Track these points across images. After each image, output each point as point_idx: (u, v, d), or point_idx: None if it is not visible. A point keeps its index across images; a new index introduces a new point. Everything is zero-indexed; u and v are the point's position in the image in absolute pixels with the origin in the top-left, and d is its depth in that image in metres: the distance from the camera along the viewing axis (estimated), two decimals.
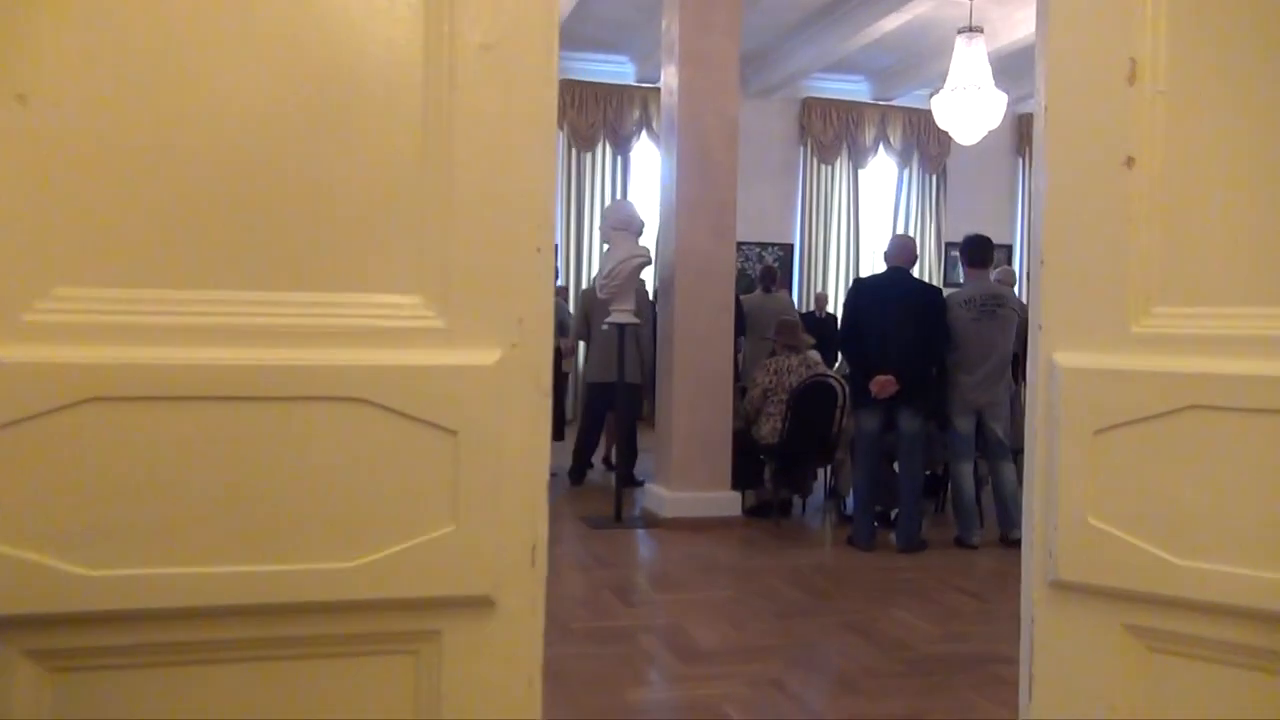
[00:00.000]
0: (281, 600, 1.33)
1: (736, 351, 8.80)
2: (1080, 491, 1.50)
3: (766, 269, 9.45)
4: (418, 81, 1.39)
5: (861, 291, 6.20)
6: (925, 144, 14.67)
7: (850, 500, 7.16)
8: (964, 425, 6.16)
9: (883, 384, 5.87)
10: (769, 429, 6.79)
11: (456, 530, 1.38)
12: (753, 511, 6.98)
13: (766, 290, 9.12)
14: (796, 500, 7.29)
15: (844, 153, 14.51)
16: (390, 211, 1.39)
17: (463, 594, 1.39)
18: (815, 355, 7.21)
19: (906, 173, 14.74)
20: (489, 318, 1.41)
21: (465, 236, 1.40)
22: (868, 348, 5.98)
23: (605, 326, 6.91)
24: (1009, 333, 6.13)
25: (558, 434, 8.63)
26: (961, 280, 8.01)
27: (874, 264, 14.71)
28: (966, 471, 6.17)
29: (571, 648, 4.23)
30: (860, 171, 14.57)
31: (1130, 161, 1.50)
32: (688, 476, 6.70)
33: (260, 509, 1.32)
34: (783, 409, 6.73)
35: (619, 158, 13.80)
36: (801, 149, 14.44)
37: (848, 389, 6.67)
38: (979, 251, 6.20)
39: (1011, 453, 6.36)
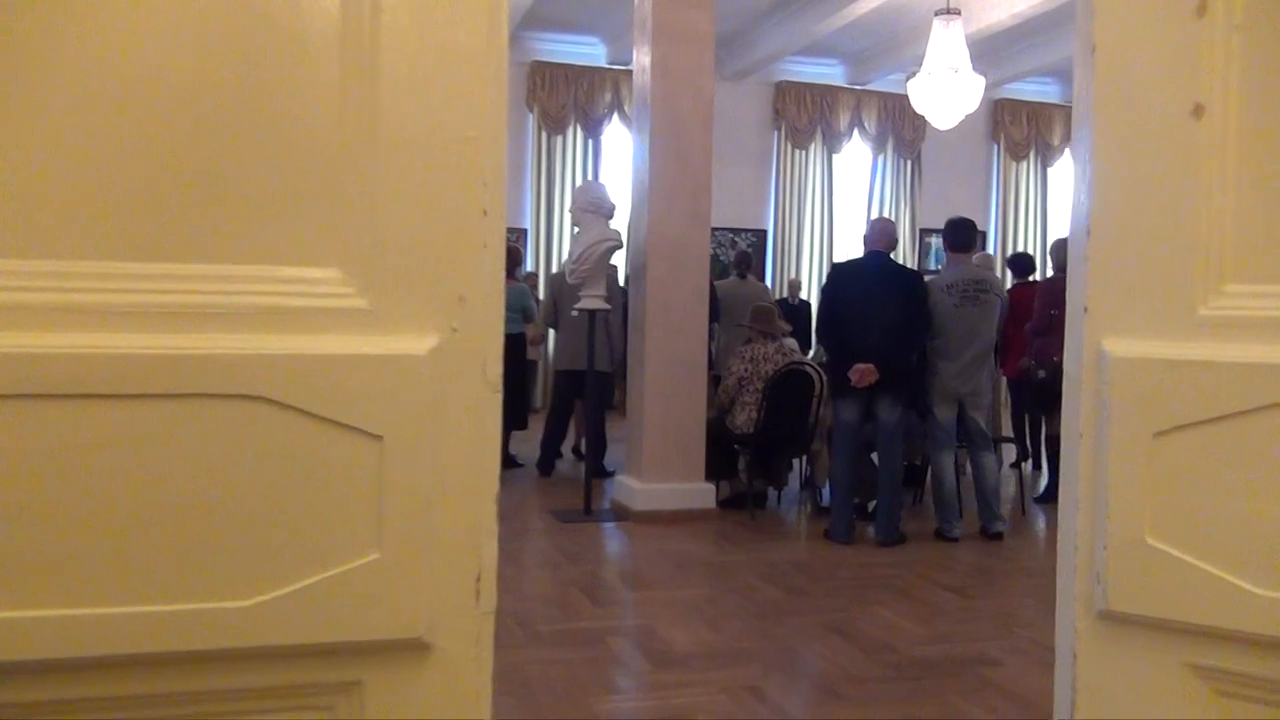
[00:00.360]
0: (161, 649, 1.05)
1: (710, 339, 8.56)
2: (1136, 506, 1.25)
3: (741, 254, 9.19)
4: (334, 2, 1.12)
5: (840, 276, 5.95)
6: (900, 129, 14.46)
7: (827, 491, 6.94)
8: (945, 414, 5.94)
9: (862, 373, 5.64)
10: (744, 418, 6.55)
11: (382, 559, 1.11)
12: (727, 503, 6.74)
13: (741, 276, 8.87)
14: (772, 492, 7.06)
15: (818, 138, 14.27)
16: (302, 165, 1.11)
17: (389, 636, 1.12)
18: (792, 343, 6.97)
19: (881, 158, 14.53)
20: (423, 296, 1.13)
21: (393, 195, 1.13)
22: (846, 335, 5.74)
23: (575, 312, 6.63)
24: (992, 319, 5.92)
25: (521, 423, 8.36)
26: (939, 266, 7.81)
27: (848, 250, 14.47)
28: (947, 462, 5.95)
29: (537, 652, 3.97)
30: (834, 157, 14.34)
31: (1198, 110, 1.24)
32: (660, 468, 6.45)
33: (133, 536, 1.04)
34: (758, 398, 6.49)
35: (590, 141, 13.50)
36: (775, 134, 14.19)
37: (825, 377, 6.44)
38: (962, 235, 5.97)
39: (993, 443, 6.16)
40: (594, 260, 6.35)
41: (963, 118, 11.26)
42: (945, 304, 5.81)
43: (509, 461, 8.40)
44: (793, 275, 14.10)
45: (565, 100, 13.38)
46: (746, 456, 6.67)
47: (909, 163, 14.58)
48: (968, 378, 5.87)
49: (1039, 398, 7.04)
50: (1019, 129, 14.92)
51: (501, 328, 1.23)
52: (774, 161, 14.21)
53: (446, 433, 1.13)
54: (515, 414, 8.35)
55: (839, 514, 5.89)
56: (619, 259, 7.58)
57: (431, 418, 1.11)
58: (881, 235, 5.94)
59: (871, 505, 6.50)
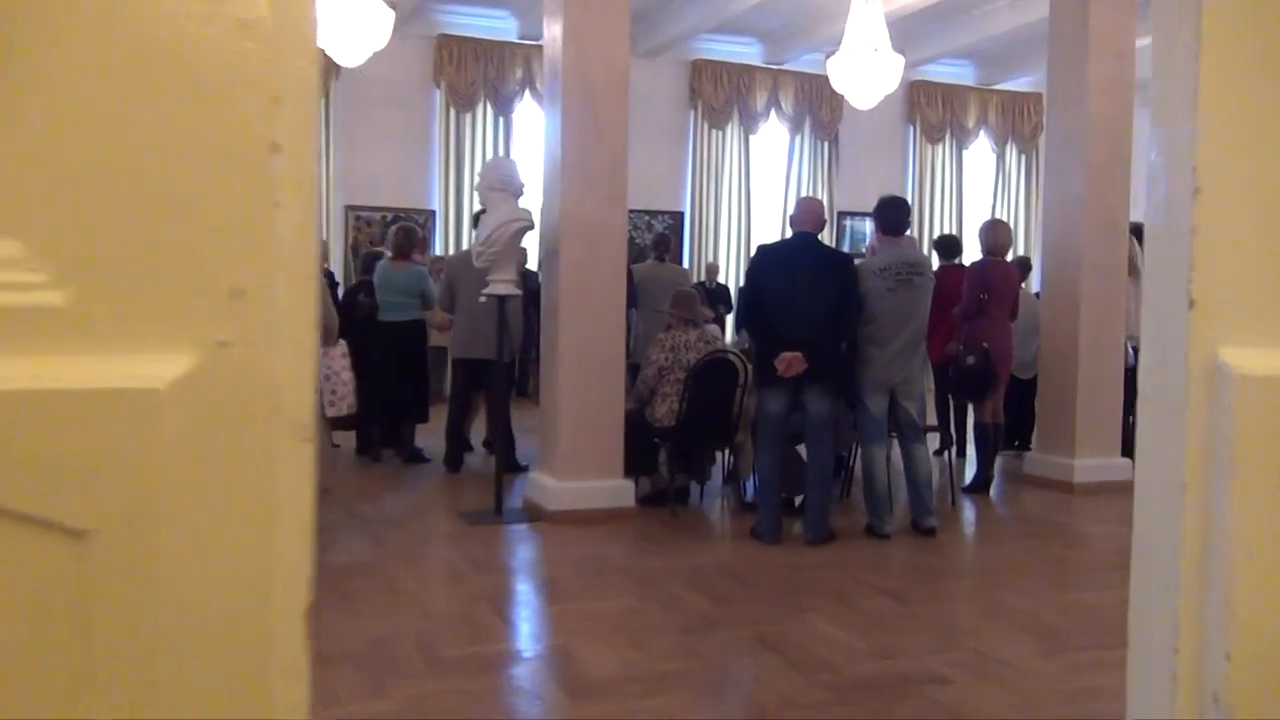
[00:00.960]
0: None
1: (628, 327, 8.13)
2: (1276, 587, 0.84)
3: (660, 236, 8.72)
4: None
5: (765, 259, 5.55)
6: (818, 110, 14.17)
7: (751, 485, 6.57)
8: (876, 405, 5.60)
9: (790, 361, 5.26)
10: (665, 410, 6.13)
11: None
12: (647, 500, 6.32)
13: (660, 259, 8.41)
14: (694, 487, 6.66)
15: (735, 118, 13.91)
16: None
17: None
18: (714, 330, 6.58)
19: (799, 139, 14.23)
20: (167, 287, 0.67)
21: (106, 113, 0.66)
22: (772, 321, 5.35)
23: (483, 298, 6.13)
24: (926, 303, 5.59)
25: (422, 415, 7.84)
26: (861, 249, 7.50)
27: (766, 233, 14.17)
28: (879, 456, 5.61)
29: (438, 682, 3.50)
30: (751, 137, 14.00)
31: None
32: (576, 464, 6.00)
33: None
34: (679, 388, 6.08)
35: (501, 119, 12.93)
36: (691, 113, 13.79)
37: (749, 366, 6.05)
38: (895, 215, 5.62)
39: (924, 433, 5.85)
40: (503, 242, 5.86)
41: (882, 98, 11.01)
42: (878, 288, 5.46)
43: (414, 456, 7.88)
44: (710, 259, 13.74)
45: (474, 76, 12.78)
46: (667, 450, 6.26)
47: (826, 144, 14.31)
48: (900, 365, 5.54)
49: (967, 384, 6.76)
50: (934, 111, 14.75)
51: (318, 334, 0.77)
52: (690, 142, 13.81)
53: (209, 519, 0.66)
54: (416, 406, 7.83)
55: (766, 511, 5.51)
56: (531, 241, 7.10)
57: (176, 497, 0.65)
58: (809, 215, 5.55)
59: (799, 500, 6.15)
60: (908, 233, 9.71)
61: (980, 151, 15.15)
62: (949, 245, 8.05)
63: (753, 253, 13.78)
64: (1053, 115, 7.54)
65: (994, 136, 15.04)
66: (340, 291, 8.63)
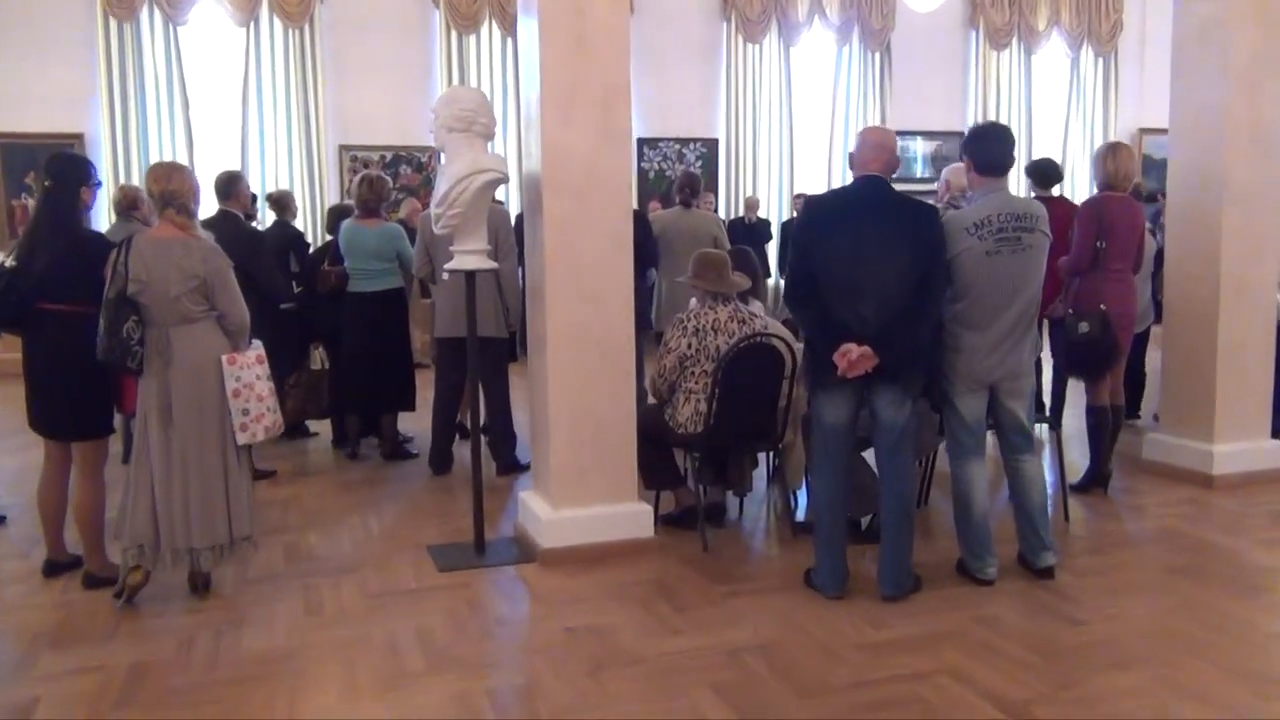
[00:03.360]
0: None
1: (646, 287, 6.59)
2: None
3: (687, 176, 6.95)
4: None
5: (816, 216, 3.94)
6: (867, 16, 12.34)
7: (802, 496, 5.09)
8: (971, 407, 4.05)
9: (854, 357, 3.71)
10: (690, 412, 4.63)
11: None
12: (672, 520, 4.88)
13: (686, 205, 6.77)
14: (731, 498, 5.19)
15: (773, 29, 12.13)
16: None
17: None
18: (754, 306, 5.02)
19: (846, 51, 12.44)
20: None
21: None
22: (829, 302, 3.79)
23: (445, 275, 4.63)
24: (1039, 270, 4.00)
25: (408, 402, 6.42)
26: (939, 189, 5.84)
27: (810, 161, 12.50)
28: (977, 474, 4.07)
29: None
30: (793, 50, 12.24)
31: None
32: (575, 488, 4.54)
33: None
34: (707, 383, 4.57)
35: (509, 41, 11.27)
36: (725, 25, 12.05)
37: (798, 354, 4.53)
38: (994, 148, 3.97)
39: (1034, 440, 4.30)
40: (467, 200, 4.33)
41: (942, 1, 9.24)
42: (974, 250, 3.87)
43: (398, 451, 6.48)
44: (749, 191, 12.11)
45: None
46: (694, 461, 4.77)
47: (878, 55, 12.53)
48: (1006, 355, 3.97)
49: (1080, 359, 5.16)
50: (999, 12, 12.83)
51: None
52: (724, 58, 12.07)
53: None
54: (398, 393, 6.40)
55: (826, 556, 4.01)
56: (506, 197, 5.55)
57: None
58: (877, 151, 3.91)
59: (865, 520, 4.67)
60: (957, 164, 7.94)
61: (1052, 56, 13.20)
62: (1046, 172, 6.32)
63: (795, 191, 12.12)
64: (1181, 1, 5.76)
65: (1068, 38, 13.08)
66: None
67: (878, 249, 3.76)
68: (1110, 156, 5.23)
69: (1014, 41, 12.87)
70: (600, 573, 4.31)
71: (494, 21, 11.24)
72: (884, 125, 12.36)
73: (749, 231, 11.01)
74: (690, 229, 6.51)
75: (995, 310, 3.91)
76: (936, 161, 12.49)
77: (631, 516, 4.58)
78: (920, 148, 12.75)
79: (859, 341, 3.73)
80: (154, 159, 10.04)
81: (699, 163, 11.86)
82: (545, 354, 4.52)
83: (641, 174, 11.85)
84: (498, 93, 11.15)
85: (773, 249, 11.88)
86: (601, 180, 4.48)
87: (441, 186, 4.40)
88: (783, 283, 11.87)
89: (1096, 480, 5.35)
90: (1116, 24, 13.06)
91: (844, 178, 12.85)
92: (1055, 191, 6.70)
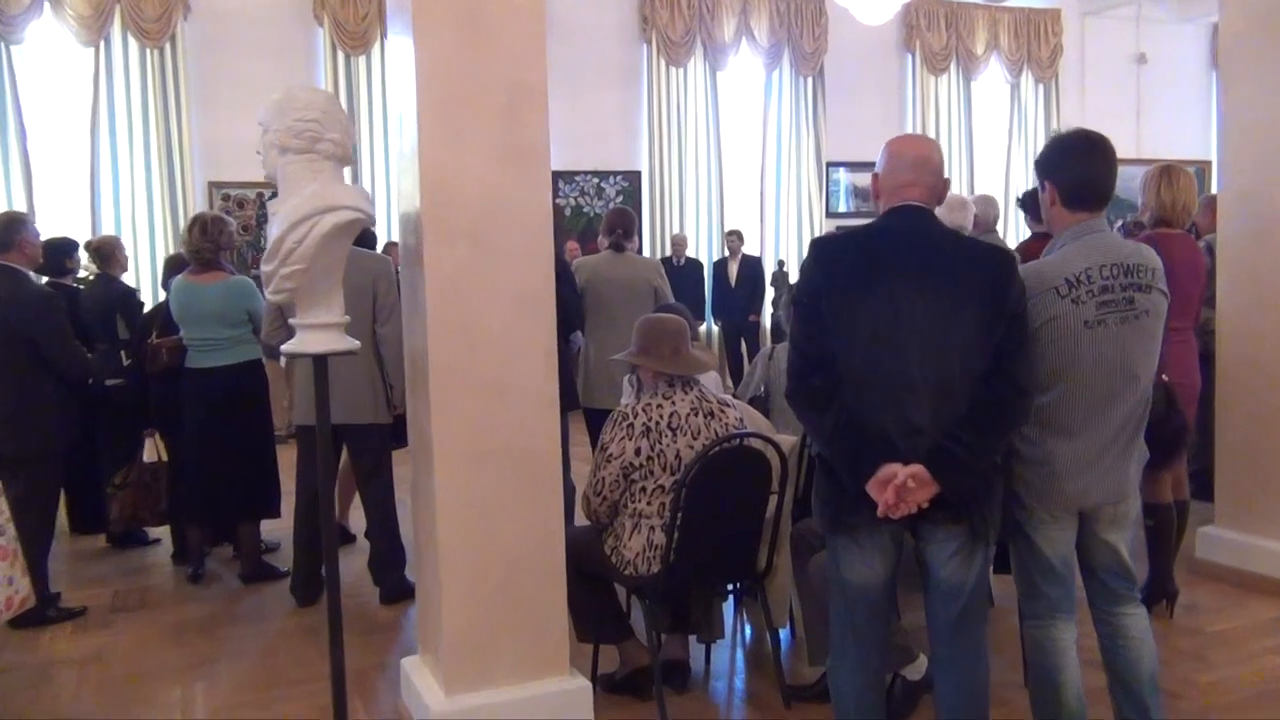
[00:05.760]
0: None
1: (570, 354, 5.22)
2: None
3: (619, 214, 5.43)
4: None
5: (835, 271, 2.55)
6: (797, 39, 11.19)
7: (787, 633, 3.73)
8: (1057, 543, 2.72)
9: (901, 483, 2.37)
10: (640, 545, 3.23)
11: None
12: (617, 686, 3.48)
13: (618, 249, 5.33)
14: (696, 645, 3.79)
15: (698, 52, 10.90)
16: None
17: None
18: (708, 381, 3.66)
19: (776, 75, 11.25)
20: None
21: None
22: (861, 402, 2.45)
23: (281, 359, 3.17)
24: (1157, 344, 2.70)
25: (267, 508, 4.94)
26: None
27: (740, 196, 11.30)
28: (1067, 642, 2.75)
29: None
30: (719, 75, 11.00)
31: None
32: (479, 660, 3.10)
33: None
34: (665, 504, 3.18)
35: None
36: (644, 47, 10.76)
37: (784, 458, 3.19)
38: (1091, 167, 2.65)
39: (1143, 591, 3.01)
40: (309, 252, 2.87)
41: (894, 11, 8.12)
42: (1066, 322, 2.57)
43: (260, 572, 4.95)
44: (675, 228, 10.83)
45: (366, 8, 9.66)
46: (648, 607, 3.35)
47: (810, 80, 11.34)
48: (1108, 470, 2.66)
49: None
50: (936, 35, 11.82)
51: None
52: (644, 83, 10.77)
53: None
54: (257, 496, 4.89)
55: None
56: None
57: None
58: (917, 170, 2.58)
59: (902, 675, 3.31)
60: (983, 194, 6.78)
61: (991, 82, 12.26)
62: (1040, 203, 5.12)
63: (726, 229, 10.75)
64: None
65: (1007, 64, 12.13)
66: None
67: (930, 316, 2.44)
68: (1165, 183, 4.01)
69: (952, 66, 11.89)
70: None
71: (386, 41, 9.78)
72: (819, 155, 11.33)
73: (678, 275, 9.68)
74: (625, 279, 5.11)
75: (1097, 406, 2.61)
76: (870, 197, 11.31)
77: (561, 698, 3.14)
78: (861, 180, 11.61)
79: (905, 461, 2.39)
80: None
81: (620, 198, 10.53)
82: (431, 466, 3.08)
83: (556, 211, 10.39)
84: (393, 126, 9.69)
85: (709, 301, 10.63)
86: (508, 218, 3.08)
87: (273, 232, 2.94)
88: (716, 330, 11.00)
89: (1158, 596, 4.09)
90: (1056, 49, 12.18)
91: (779, 214, 12.24)
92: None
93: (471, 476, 3.06)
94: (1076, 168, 2.64)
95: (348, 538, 5.46)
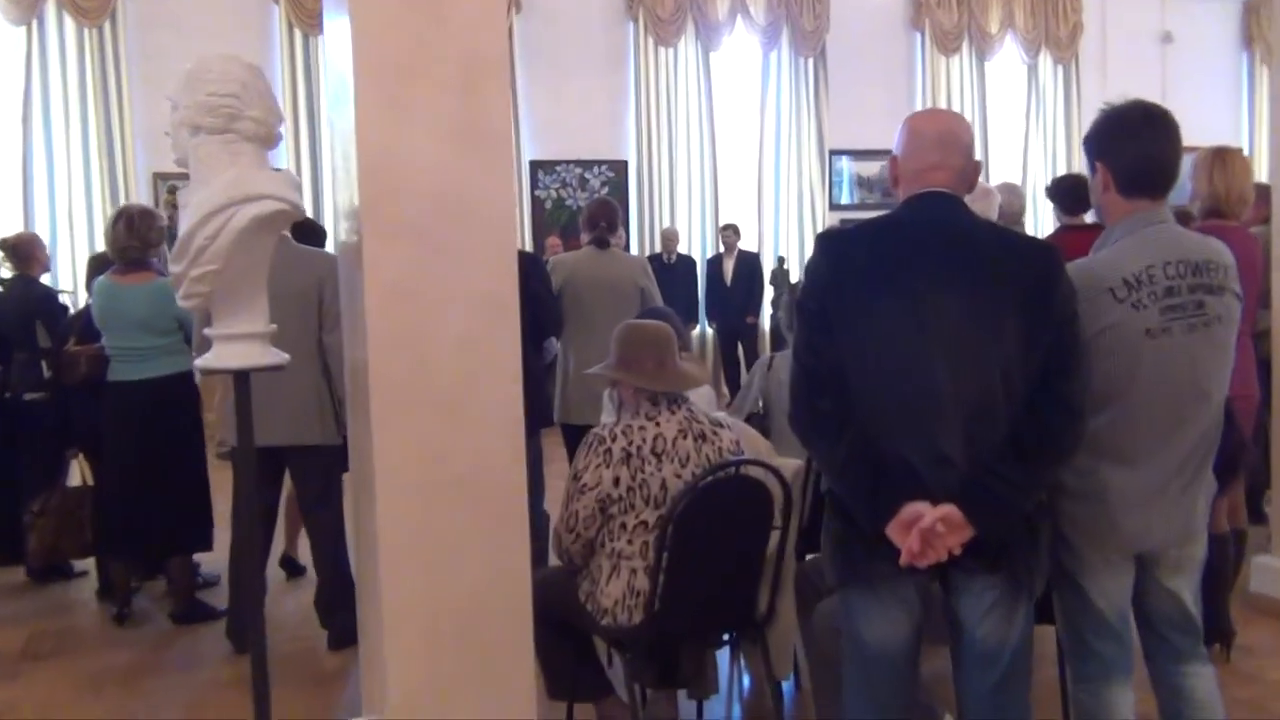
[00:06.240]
0: None
1: (543, 365, 4.94)
2: None
3: (602, 206, 5.15)
4: None
5: (845, 269, 2.27)
6: (797, 15, 10.97)
7: (790, 685, 3.44)
8: (1111, 591, 2.45)
9: (929, 528, 2.08)
10: (620, 591, 2.94)
11: None
12: None
13: (601, 245, 4.97)
14: (685, 701, 3.49)
15: (689, 31, 10.68)
16: None
17: None
18: (701, 399, 3.37)
19: (774, 56, 11.04)
20: None
21: None
22: (879, 428, 2.18)
23: (198, 373, 2.87)
24: (1229, 355, 2.42)
25: (199, 539, 4.66)
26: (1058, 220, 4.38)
27: (735, 186, 11.12)
28: (1120, 705, 2.47)
29: None
30: (712, 56, 10.82)
31: None
32: (430, 712, 2.80)
33: None
34: (649, 544, 2.89)
35: None
36: (631, 26, 10.53)
37: (787, 486, 2.91)
38: (1151, 146, 2.35)
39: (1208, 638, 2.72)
40: (223, 250, 2.58)
41: None
42: (1124, 330, 2.29)
43: (193, 612, 4.65)
44: (666, 223, 10.61)
45: None
46: (629, 661, 3.05)
47: (810, 61, 11.14)
48: (1172, 506, 2.38)
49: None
50: (947, 13, 11.60)
51: None
52: (631, 65, 10.55)
53: None
54: (187, 527, 4.59)
55: None
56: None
57: None
58: (943, 149, 2.29)
59: None
60: (1007, 183, 6.58)
61: (1007, 64, 12.08)
62: (1073, 192, 4.88)
63: (721, 222, 10.54)
64: None
65: (1023, 43, 11.91)
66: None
67: (962, 323, 2.16)
68: (1219, 168, 3.75)
69: (965, 46, 11.66)
70: None
71: None
72: (821, 143, 11.07)
73: (668, 273, 9.40)
74: (608, 279, 4.82)
75: (1160, 430, 2.32)
76: (881, 187, 11.21)
77: None
78: (868, 169, 11.38)
79: (933, 499, 2.10)
80: None
81: (605, 189, 10.28)
82: (374, 500, 2.77)
83: (536, 204, 10.25)
84: (330, 102, 9.41)
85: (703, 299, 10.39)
86: (464, 209, 2.77)
87: (185, 220, 2.65)
88: (710, 333, 10.71)
89: (1214, 638, 3.79)
90: (1076, 27, 11.96)
91: (778, 207, 12.02)
92: (1089, 219, 5.25)
93: (421, 511, 2.76)
94: (1134, 146, 2.36)
95: (296, 570, 5.16)
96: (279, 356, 2.75)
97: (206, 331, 2.75)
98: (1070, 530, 2.42)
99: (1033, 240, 2.47)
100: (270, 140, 2.74)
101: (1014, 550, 2.22)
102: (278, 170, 2.77)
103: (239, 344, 2.70)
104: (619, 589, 2.93)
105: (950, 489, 2.12)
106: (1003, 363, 2.16)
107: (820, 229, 10.85)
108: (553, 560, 3.27)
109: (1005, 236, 2.41)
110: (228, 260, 2.61)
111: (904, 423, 2.16)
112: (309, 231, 4.58)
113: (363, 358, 2.78)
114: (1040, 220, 10.78)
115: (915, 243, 2.26)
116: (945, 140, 2.34)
